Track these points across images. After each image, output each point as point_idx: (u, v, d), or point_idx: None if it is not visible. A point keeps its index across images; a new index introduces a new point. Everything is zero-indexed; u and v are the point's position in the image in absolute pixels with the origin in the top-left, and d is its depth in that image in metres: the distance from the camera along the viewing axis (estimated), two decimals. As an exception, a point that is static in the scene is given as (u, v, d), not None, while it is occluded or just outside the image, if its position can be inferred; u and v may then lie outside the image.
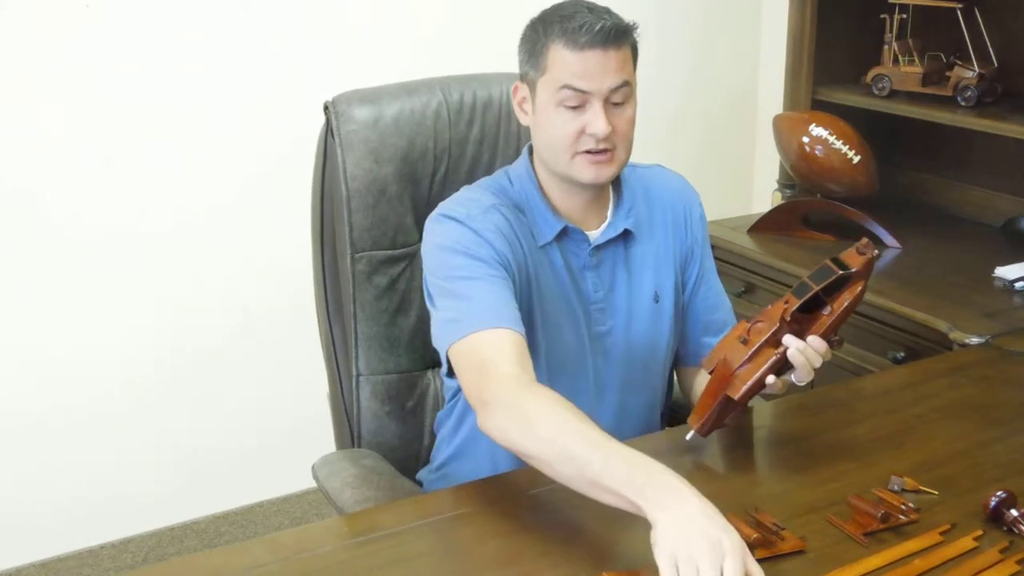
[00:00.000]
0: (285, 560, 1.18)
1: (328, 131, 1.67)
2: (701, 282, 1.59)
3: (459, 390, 1.49)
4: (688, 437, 1.36)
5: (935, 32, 2.49)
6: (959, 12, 2.34)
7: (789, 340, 1.31)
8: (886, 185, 2.52)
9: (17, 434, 2.37)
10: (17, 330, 2.32)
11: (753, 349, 1.32)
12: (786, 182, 2.69)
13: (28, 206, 2.27)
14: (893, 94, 2.46)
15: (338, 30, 2.48)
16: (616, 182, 1.53)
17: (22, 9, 2.17)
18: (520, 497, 1.31)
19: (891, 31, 2.47)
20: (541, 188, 1.49)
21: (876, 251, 1.36)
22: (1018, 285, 2.09)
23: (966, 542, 1.19)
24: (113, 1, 2.24)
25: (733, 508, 1.22)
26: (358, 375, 1.67)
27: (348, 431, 1.72)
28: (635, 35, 1.41)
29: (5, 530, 2.40)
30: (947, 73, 2.41)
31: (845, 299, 1.33)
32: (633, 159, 1.50)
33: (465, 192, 1.50)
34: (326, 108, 1.67)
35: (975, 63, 2.34)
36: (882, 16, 2.48)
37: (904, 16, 2.46)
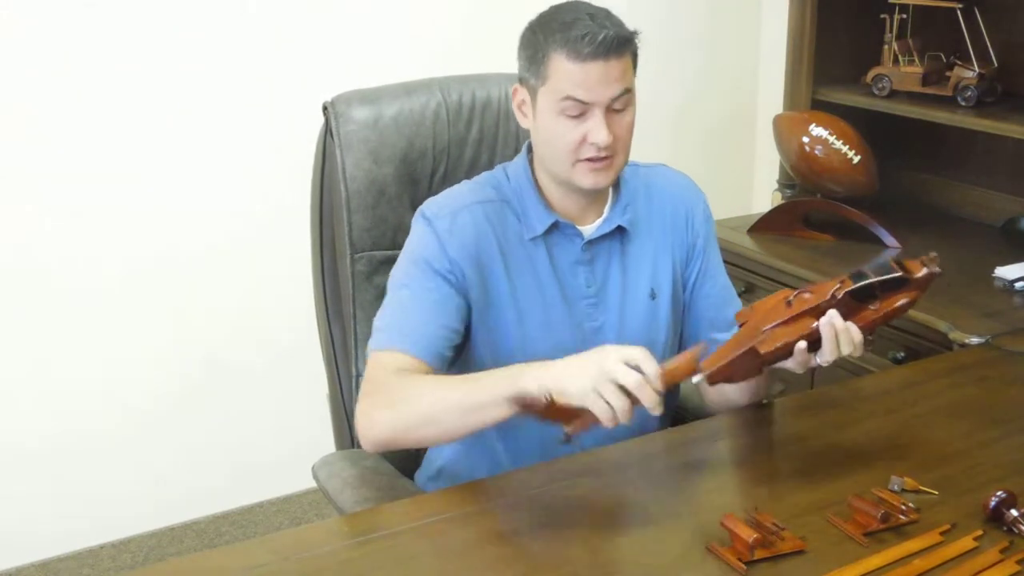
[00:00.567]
0: (285, 560, 1.18)
1: (327, 131, 1.67)
2: (704, 280, 1.58)
3: None
4: (695, 379, 1.31)
5: (935, 32, 2.49)
6: (959, 12, 2.34)
7: (832, 315, 1.29)
8: (886, 185, 2.52)
9: (17, 434, 2.37)
10: (17, 330, 2.32)
11: (795, 313, 1.30)
12: (786, 182, 2.69)
13: (27, 207, 2.27)
14: (893, 94, 2.46)
15: (338, 30, 2.48)
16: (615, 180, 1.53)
17: (22, 9, 2.17)
18: (520, 497, 1.31)
19: (891, 31, 2.47)
20: (537, 184, 1.50)
21: (939, 269, 1.33)
22: (1018, 285, 2.09)
23: (966, 542, 1.19)
24: (113, 1, 2.25)
25: (733, 508, 1.22)
26: (358, 375, 1.67)
27: (348, 432, 1.72)
28: (636, 41, 1.41)
29: (5, 530, 2.40)
30: (947, 73, 2.41)
31: (896, 301, 1.31)
32: (634, 159, 1.51)
33: (453, 188, 1.53)
34: (325, 108, 1.67)
35: (975, 63, 2.34)
36: (882, 16, 2.48)
37: (904, 16, 2.46)
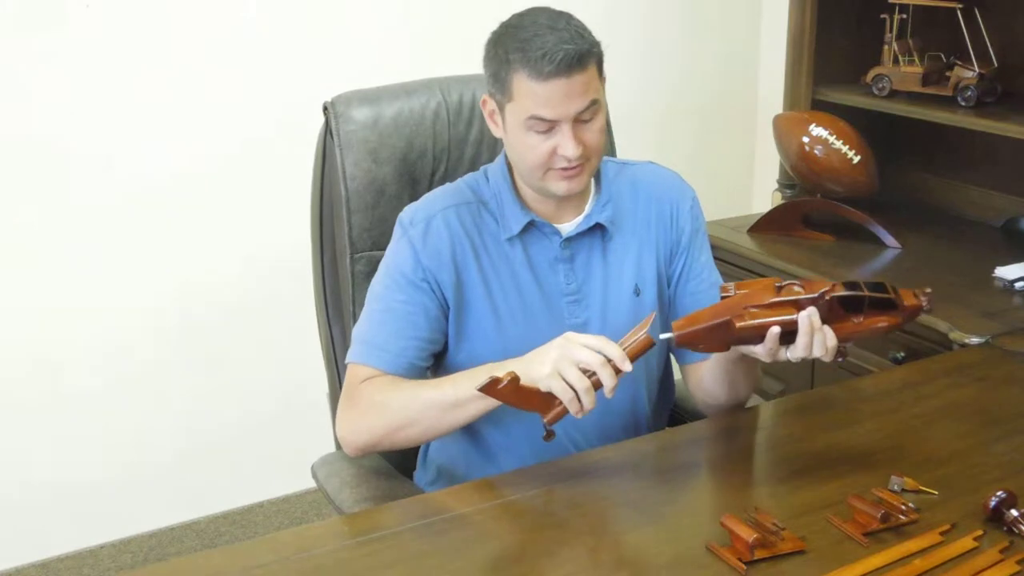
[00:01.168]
0: (285, 560, 1.18)
1: (327, 131, 1.67)
2: (689, 276, 1.57)
3: None
4: (661, 336, 1.34)
5: (935, 32, 2.49)
6: (959, 12, 2.34)
7: (812, 311, 1.30)
8: (886, 185, 2.52)
9: (17, 434, 2.37)
10: (16, 330, 2.32)
11: (780, 299, 1.31)
12: (786, 182, 2.69)
13: (27, 205, 2.28)
14: (893, 94, 2.46)
15: (338, 30, 2.48)
16: (595, 177, 1.54)
17: (22, 9, 2.17)
18: (520, 497, 1.31)
19: (891, 31, 2.46)
20: (515, 185, 1.51)
21: (929, 307, 1.35)
22: (1018, 285, 2.09)
23: (966, 542, 1.19)
24: (113, 1, 2.25)
25: (733, 508, 1.22)
26: (358, 375, 1.67)
27: (348, 431, 1.71)
28: (598, 49, 1.40)
29: (5, 530, 2.40)
30: (947, 73, 2.40)
31: (877, 321, 1.33)
32: (633, 159, 1.50)
33: (434, 191, 1.55)
34: (325, 108, 1.67)
35: (975, 63, 2.34)
36: (882, 16, 2.47)
37: (904, 16, 2.46)
